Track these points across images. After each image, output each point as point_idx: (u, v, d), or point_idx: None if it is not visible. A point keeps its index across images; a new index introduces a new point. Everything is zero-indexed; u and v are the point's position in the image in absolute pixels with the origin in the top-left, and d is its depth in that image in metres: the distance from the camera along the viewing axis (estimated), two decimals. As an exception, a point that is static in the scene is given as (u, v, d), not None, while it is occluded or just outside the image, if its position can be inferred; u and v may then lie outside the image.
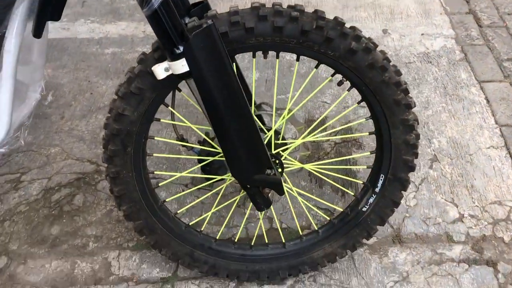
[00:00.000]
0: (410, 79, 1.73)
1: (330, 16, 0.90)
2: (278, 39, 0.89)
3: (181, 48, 0.81)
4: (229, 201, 1.20)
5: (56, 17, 0.91)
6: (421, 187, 1.41)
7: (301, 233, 1.19)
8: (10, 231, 1.31)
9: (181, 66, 0.82)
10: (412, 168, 1.05)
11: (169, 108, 1.00)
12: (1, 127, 1.04)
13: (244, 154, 0.93)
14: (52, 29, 1.92)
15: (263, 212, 1.13)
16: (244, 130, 0.91)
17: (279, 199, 1.36)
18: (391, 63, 0.95)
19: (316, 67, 0.98)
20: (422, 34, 1.92)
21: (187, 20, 0.90)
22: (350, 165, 1.46)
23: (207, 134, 1.06)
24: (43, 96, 1.23)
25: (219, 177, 1.08)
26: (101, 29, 1.96)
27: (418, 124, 1.02)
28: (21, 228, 1.32)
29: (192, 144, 1.07)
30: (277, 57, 0.96)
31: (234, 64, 0.96)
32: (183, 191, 1.38)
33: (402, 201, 1.12)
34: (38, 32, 0.88)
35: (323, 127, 1.48)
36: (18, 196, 1.39)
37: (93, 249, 1.28)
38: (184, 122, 1.03)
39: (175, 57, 0.82)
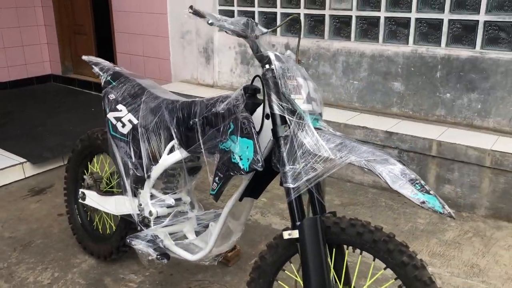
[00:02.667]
0: None
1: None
2: (359, 240, 1.46)
3: (298, 223, 1.48)
4: None
5: (256, 196, 1.74)
6: None
7: None
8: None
9: (295, 233, 1.49)
10: None
11: (291, 265, 1.63)
12: (207, 248, 1.86)
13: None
14: (279, 224, 2.81)
15: None
16: (319, 286, 1.44)
17: None
18: None
19: (384, 269, 1.47)
20: None
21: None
22: None
23: None
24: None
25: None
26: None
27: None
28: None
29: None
30: (361, 253, 1.51)
31: (334, 249, 1.55)
32: None
33: None
34: (241, 199, 1.72)
35: None
36: (203, 307, 2.12)
37: None
38: (298, 279, 1.62)
39: (294, 227, 1.49)
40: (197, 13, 1.52)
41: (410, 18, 3.34)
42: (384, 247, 1.42)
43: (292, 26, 3.82)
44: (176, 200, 2.04)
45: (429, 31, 3.30)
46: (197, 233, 2.11)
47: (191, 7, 1.53)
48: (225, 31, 1.54)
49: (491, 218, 2.91)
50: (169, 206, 2.01)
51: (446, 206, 1.35)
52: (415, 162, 3.12)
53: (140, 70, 5.12)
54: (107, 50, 5.64)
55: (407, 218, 2.94)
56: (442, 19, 3.21)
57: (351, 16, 3.60)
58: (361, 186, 3.40)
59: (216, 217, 2.08)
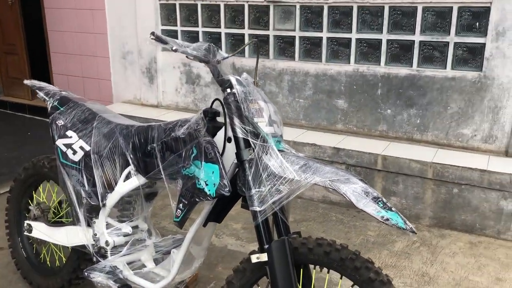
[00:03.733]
0: None
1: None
2: (326, 259, 1.49)
3: (266, 247, 1.49)
4: None
5: (219, 221, 1.72)
6: None
7: None
8: None
9: (264, 257, 1.48)
10: None
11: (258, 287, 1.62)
12: (170, 276, 1.81)
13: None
14: (234, 244, 2.80)
15: None
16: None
17: None
18: None
19: (352, 286, 1.51)
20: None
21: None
22: None
23: None
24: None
25: None
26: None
27: None
28: None
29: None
30: (328, 272, 1.54)
31: (301, 269, 1.56)
32: None
33: None
34: (205, 224, 1.70)
35: None
36: (164, 337, 2.05)
37: None
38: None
39: (262, 251, 1.49)
40: (159, 39, 1.50)
41: (351, 38, 3.49)
42: (351, 264, 1.46)
43: (262, 47, 3.83)
44: (133, 227, 1.98)
45: (369, 51, 3.46)
46: (156, 261, 2.05)
47: (153, 33, 1.51)
48: (187, 57, 1.53)
49: (435, 227, 3.06)
50: (126, 235, 1.94)
51: (407, 222, 1.41)
52: (362, 176, 3.23)
53: (79, 91, 4.94)
54: (42, 70, 5.40)
55: (358, 231, 3.02)
56: (381, 39, 3.38)
57: (295, 36, 3.70)
58: (311, 201, 3.47)
59: (176, 243, 2.04)
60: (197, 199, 1.54)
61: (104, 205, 1.90)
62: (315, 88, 3.65)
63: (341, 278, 1.53)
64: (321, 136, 3.54)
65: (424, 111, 3.29)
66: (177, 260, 1.77)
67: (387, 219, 1.37)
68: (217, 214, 1.73)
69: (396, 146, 3.29)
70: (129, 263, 1.96)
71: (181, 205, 1.60)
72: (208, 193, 1.51)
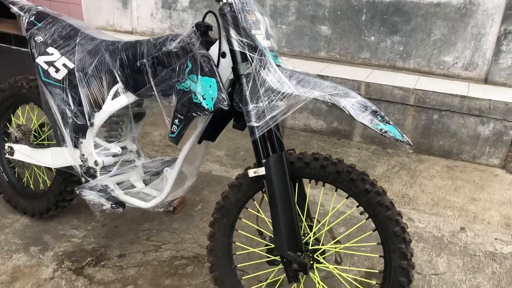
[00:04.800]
0: (469, 267, 2.05)
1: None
2: (323, 173, 1.51)
3: (264, 161, 1.49)
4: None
5: (213, 139, 1.71)
6: None
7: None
8: (141, 273, 1.98)
9: (261, 171, 1.49)
10: (405, 289, 1.45)
11: (254, 202, 1.64)
12: (163, 194, 1.81)
13: (285, 234, 1.48)
14: (218, 170, 2.82)
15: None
16: (288, 219, 1.48)
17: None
18: (403, 219, 1.46)
19: (347, 198, 1.54)
20: (496, 239, 2.24)
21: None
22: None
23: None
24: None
25: (274, 257, 1.61)
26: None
27: (412, 255, 1.45)
28: (149, 273, 1.98)
29: (265, 231, 1.66)
30: (323, 185, 1.56)
31: (297, 184, 1.58)
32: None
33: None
34: (199, 142, 1.68)
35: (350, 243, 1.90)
36: (156, 255, 2.08)
37: (184, 299, 1.85)
38: (261, 215, 1.64)
39: (260, 165, 1.49)
40: None
41: (336, -39, 3.37)
42: (347, 177, 1.48)
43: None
44: (122, 148, 1.94)
45: (355, -25, 3.36)
46: (144, 182, 2.04)
47: None
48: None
49: (414, 153, 3.15)
50: (115, 155, 1.91)
51: (404, 135, 1.43)
52: (344, 103, 3.24)
53: (46, 16, 4.66)
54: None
55: (339, 157, 3.07)
56: (367, -38, 3.28)
57: (278, -42, 3.55)
58: (293, 130, 3.48)
59: (165, 164, 2.03)
60: (193, 114, 1.51)
61: (91, 124, 1.85)
62: (298, 13, 3.56)
63: (335, 191, 1.56)
64: (304, 64, 3.50)
65: (407, 38, 3.27)
66: (170, 178, 1.76)
67: (386, 132, 1.38)
68: (211, 132, 1.71)
69: (379, 74, 3.29)
70: (118, 184, 1.94)
71: (176, 120, 1.56)
72: (205, 107, 1.48)
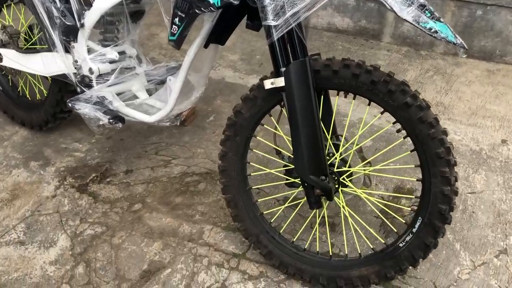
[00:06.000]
0: (510, 185, 1.84)
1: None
2: (354, 83, 1.25)
3: (283, 70, 1.23)
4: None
5: (222, 42, 1.43)
6: (479, 268, 1.51)
7: (347, 253, 1.44)
8: (150, 190, 1.83)
9: (280, 81, 1.24)
10: (445, 219, 1.25)
11: (271, 117, 1.42)
12: (168, 107, 1.59)
13: (307, 155, 1.27)
14: (232, 76, 2.56)
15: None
16: (311, 138, 1.26)
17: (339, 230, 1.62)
18: (447, 136, 1.22)
19: (382, 113, 1.30)
20: (542, 153, 2.01)
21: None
22: (401, 205, 1.64)
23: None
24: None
25: (294, 179, 1.42)
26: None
27: (457, 180, 1.24)
28: (158, 190, 1.83)
29: (283, 151, 1.45)
30: (354, 98, 1.32)
31: (322, 96, 1.34)
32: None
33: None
34: (206, 45, 1.41)
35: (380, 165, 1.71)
36: (165, 171, 1.92)
37: (197, 219, 1.70)
38: (279, 132, 1.42)
39: (278, 75, 1.24)
40: None
41: None
42: (384, 88, 1.23)
43: None
44: (119, 53, 1.69)
45: None
46: (148, 92, 1.82)
47: None
48: None
49: (450, 55, 2.82)
50: (112, 61, 1.67)
51: (458, 36, 1.14)
52: (374, -1, 2.86)
53: None
54: None
55: (367, 60, 2.77)
56: None
57: None
58: (315, 29, 3.14)
59: (170, 71, 1.78)
60: (197, 11, 1.23)
61: (82, 25, 1.58)
62: None
63: (368, 104, 1.31)
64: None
65: None
66: (175, 89, 1.52)
67: (436, 31, 1.10)
68: (220, 34, 1.43)
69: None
70: (118, 94, 1.72)
71: (176, 19, 1.29)
72: (211, 2, 1.19)
